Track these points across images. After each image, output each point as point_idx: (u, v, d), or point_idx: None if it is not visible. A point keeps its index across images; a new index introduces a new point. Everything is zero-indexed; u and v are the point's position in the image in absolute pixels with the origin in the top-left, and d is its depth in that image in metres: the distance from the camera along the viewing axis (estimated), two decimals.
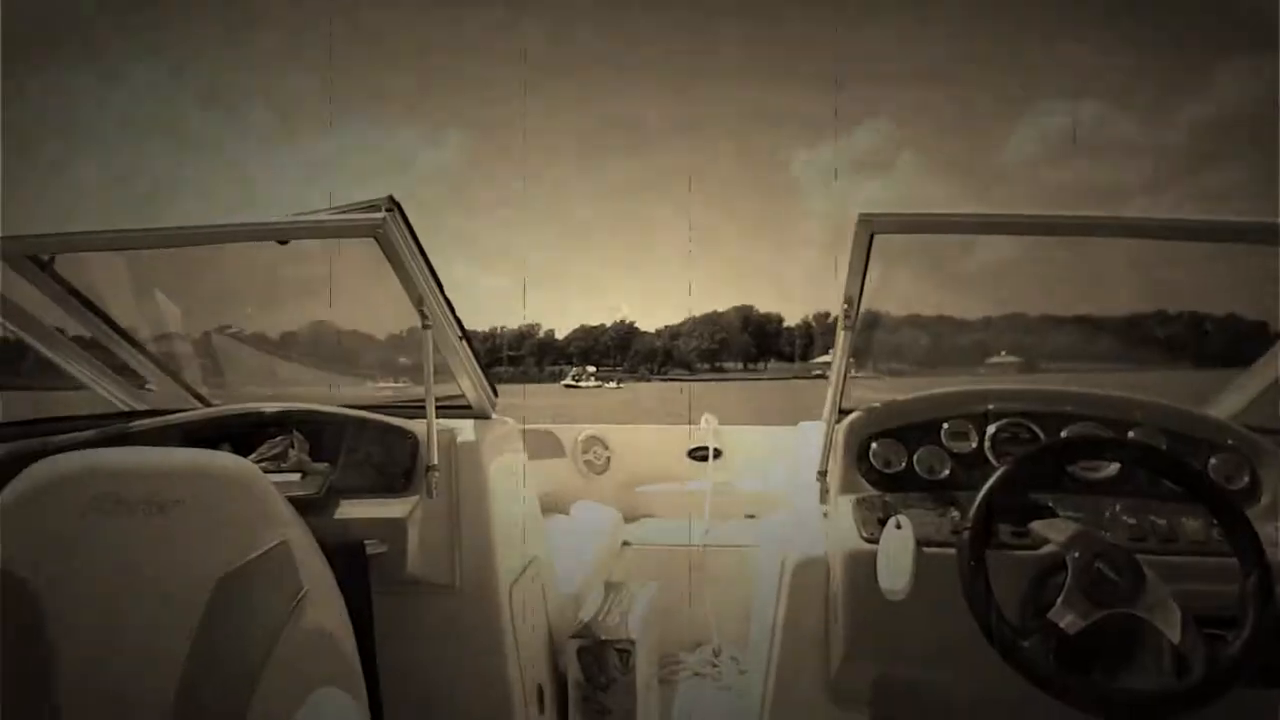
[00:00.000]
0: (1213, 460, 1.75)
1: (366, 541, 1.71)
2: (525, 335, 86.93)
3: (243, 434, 1.92)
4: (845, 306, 1.74)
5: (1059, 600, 1.36)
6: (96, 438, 1.85)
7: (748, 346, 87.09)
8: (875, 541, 1.58)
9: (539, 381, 76.55)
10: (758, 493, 3.30)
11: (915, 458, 1.80)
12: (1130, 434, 1.78)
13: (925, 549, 1.52)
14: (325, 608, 1.41)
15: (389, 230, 1.59)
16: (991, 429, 1.81)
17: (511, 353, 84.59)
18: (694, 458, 3.52)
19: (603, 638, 2.18)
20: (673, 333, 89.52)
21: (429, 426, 1.82)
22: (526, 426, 3.19)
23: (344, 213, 1.71)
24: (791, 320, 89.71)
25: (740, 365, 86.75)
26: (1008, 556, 1.50)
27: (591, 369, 76.02)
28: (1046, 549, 1.48)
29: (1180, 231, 1.69)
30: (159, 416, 1.99)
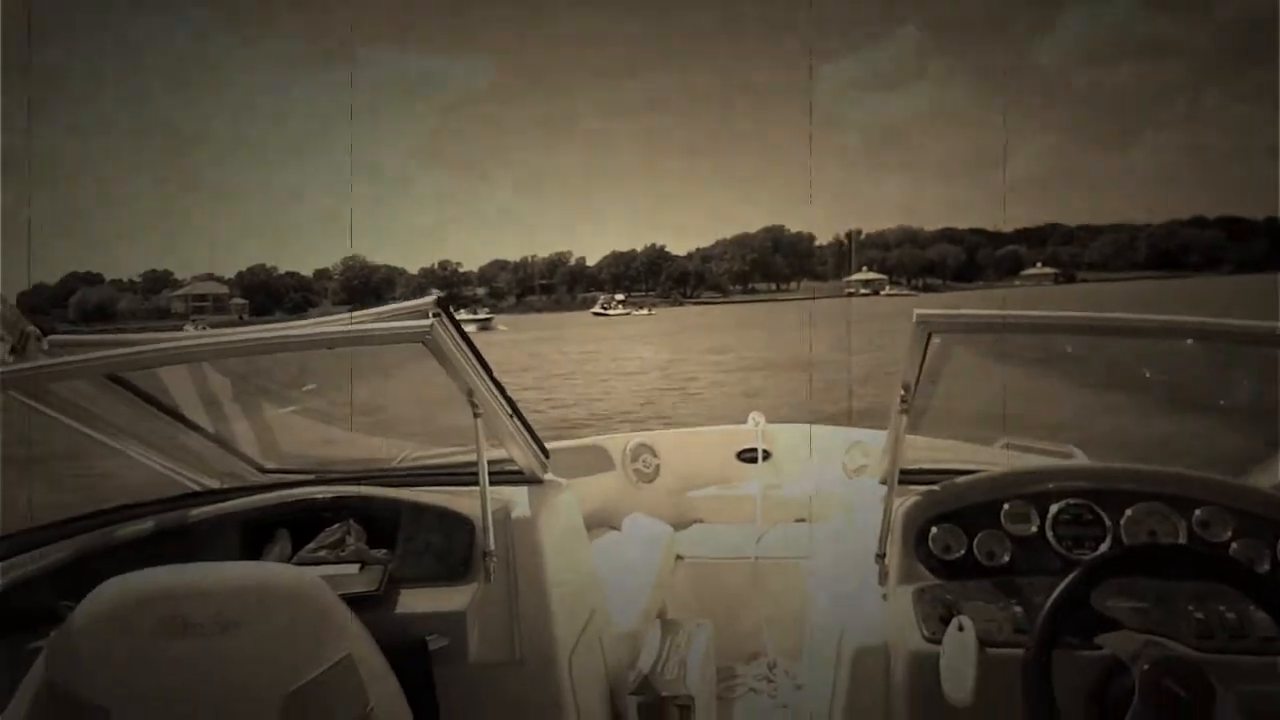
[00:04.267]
0: None
1: (428, 637, 1.74)
2: (557, 263, 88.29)
3: (299, 520, 1.96)
4: (902, 393, 1.76)
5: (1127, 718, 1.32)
6: (155, 530, 1.92)
7: (780, 267, 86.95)
8: (937, 641, 1.56)
9: (570, 309, 78.31)
10: (807, 496, 3.29)
11: (975, 542, 1.78)
12: (1196, 513, 1.75)
13: (989, 650, 1.50)
14: (391, 714, 1.44)
15: (436, 335, 1.63)
16: (1053, 510, 1.80)
17: (543, 281, 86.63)
18: (743, 459, 3.53)
19: (662, 694, 2.23)
20: (704, 255, 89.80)
21: (484, 513, 1.86)
22: (574, 443, 3.42)
23: (393, 317, 1.77)
24: (823, 239, 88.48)
25: (773, 286, 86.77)
26: (1072, 657, 1.45)
27: (620, 297, 76.68)
28: (1111, 652, 1.43)
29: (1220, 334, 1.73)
30: (216, 501, 2.03)
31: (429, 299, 1.73)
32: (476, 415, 1.83)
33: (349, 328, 1.80)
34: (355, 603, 1.51)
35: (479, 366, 1.80)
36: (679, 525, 3.32)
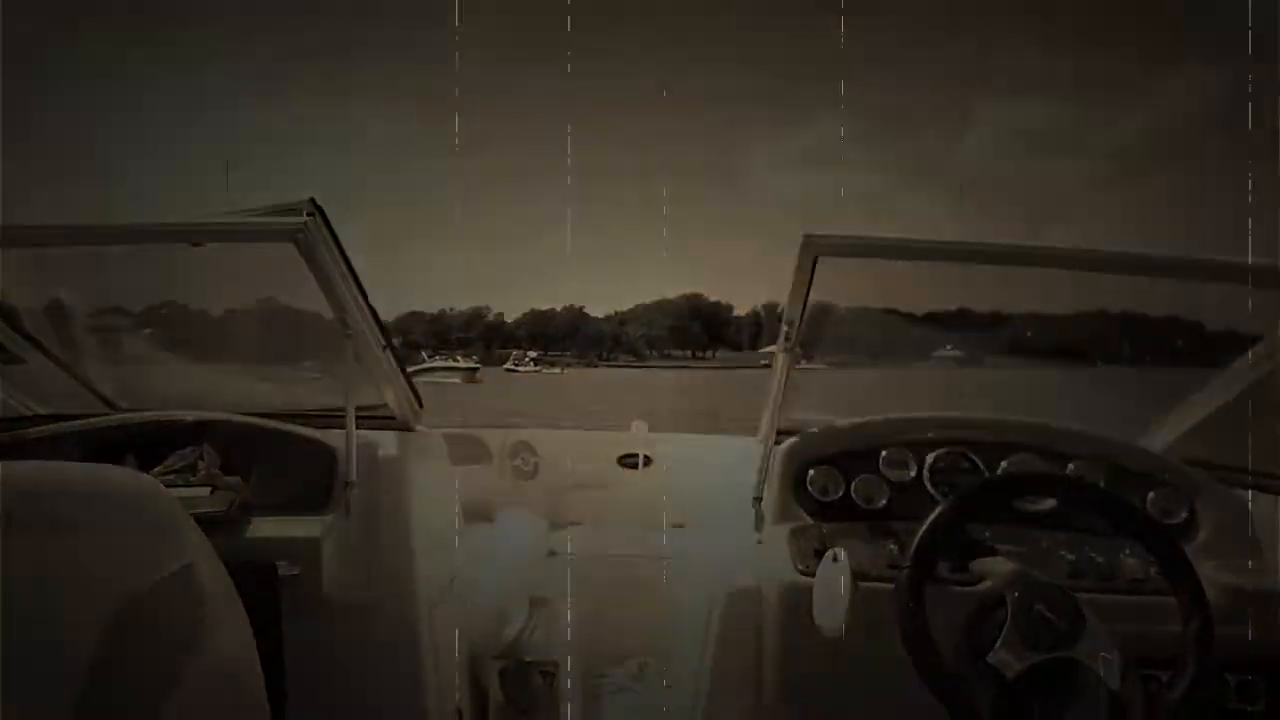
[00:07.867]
0: (1151, 495, 1.74)
1: (279, 563, 1.66)
2: (475, 317, 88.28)
3: (148, 445, 1.83)
4: (786, 329, 1.72)
5: (998, 643, 1.32)
6: None
7: (697, 335, 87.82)
8: (811, 574, 1.54)
9: (486, 364, 78.87)
10: (685, 501, 3.27)
11: (853, 486, 1.78)
12: (1070, 466, 1.77)
13: (862, 583, 1.48)
14: (231, 635, 1.36)
15: (310, 235, 1.53)
16: (930, 458, 1.79)
17: (461, 335, 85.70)
18: (623, 464, 3.50)
19: (526, 658, 2.13)
20: (622, 319, 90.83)
21: (348, 440, 1.76)
22: (453, 430, 3.21)
23: (264, 215, 1.66)
24: (741, 309, 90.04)
25: (689, 353, 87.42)
26: (945, 592, 1.46)
27: (532, 354, 76.67)
28: (985, 586, 1.43)
29: (1118, 264, 1.70)
30: (56, 423, 1.88)
31: (302, 201, 1.61)
32: (347, 335, 1.72)
33: (216, 221, 1.68)
34: (203, 525, 1.37)
35: (353, 284, 1.69)
36: (555, 526, 3.28)
